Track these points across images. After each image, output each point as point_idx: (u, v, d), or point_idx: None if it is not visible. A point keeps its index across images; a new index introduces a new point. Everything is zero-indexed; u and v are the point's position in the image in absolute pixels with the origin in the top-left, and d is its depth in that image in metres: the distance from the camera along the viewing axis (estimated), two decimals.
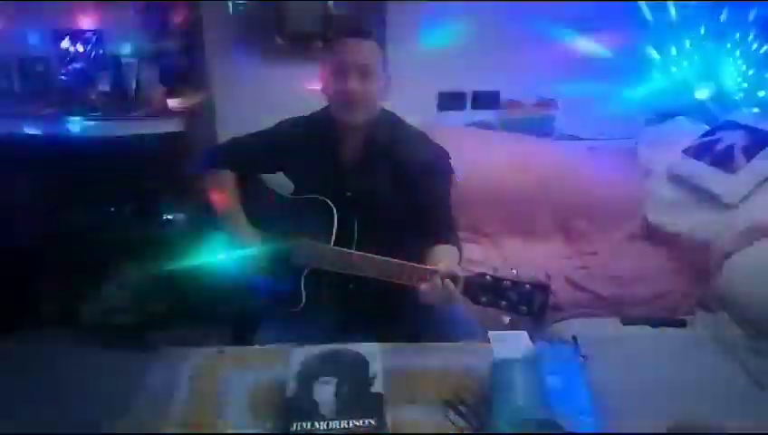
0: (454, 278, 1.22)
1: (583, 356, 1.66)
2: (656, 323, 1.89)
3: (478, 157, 2.42)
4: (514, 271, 1.21)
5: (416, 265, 1.29)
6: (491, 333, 1.25)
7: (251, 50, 2.51)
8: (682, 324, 1.90)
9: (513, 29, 2.53)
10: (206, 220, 1.60)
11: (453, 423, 1.08)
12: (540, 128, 2.64)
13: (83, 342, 2.38)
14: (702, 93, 2.55)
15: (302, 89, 2.14)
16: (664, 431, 1.16)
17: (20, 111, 2.25)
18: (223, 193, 1.58)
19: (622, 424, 1.19)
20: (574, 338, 1.72)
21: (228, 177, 1.61)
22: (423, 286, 1.25)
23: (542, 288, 1.18)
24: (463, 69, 2.60)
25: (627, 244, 2.38)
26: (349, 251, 1.39)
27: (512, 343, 1.18)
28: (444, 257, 1.34)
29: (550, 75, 2.60)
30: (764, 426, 1.40)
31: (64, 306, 2.46)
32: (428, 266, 1.28)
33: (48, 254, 2.42)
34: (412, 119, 1.63)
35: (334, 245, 1.42)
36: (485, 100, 2.67)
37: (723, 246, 2.00)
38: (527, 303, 1.17)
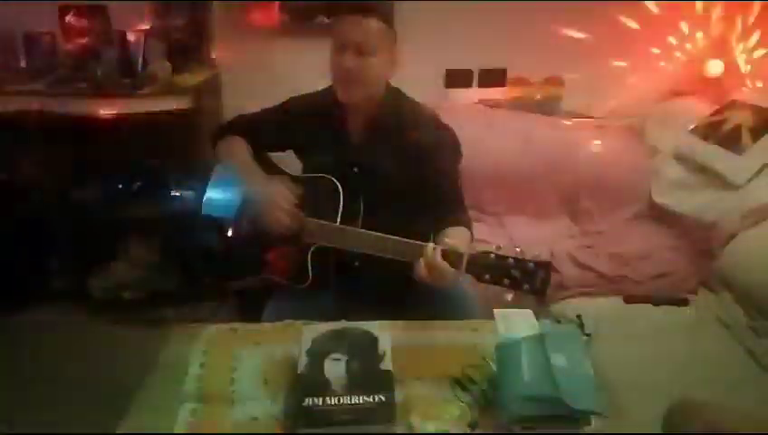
0: (457, 256, 1.23)
1: (587, 334, 1.69)
2: (658, 301, 1.92)
3: (484, 135, 2.41)
4: (518, 249, 1.22)
5: (417, 242, 1.30)
6: (496, 311, 1.27)
7: (256, 26, 2.49)
8: (684, 303, 1.92)
9: (521, 5, 2.50)
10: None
11: (460, 399, 1.11)
12: (547, 106, 2.62)
13: (95, 316, 2.42)
14: (710, 71, 2.54)
15: (306, 65, 2.13)
16: (664, 407, 1.18)
17: (26, 87, 2.25)
18: (236, 151, 1.59)
19: (625, 401, 1.22)
20: (578, 316, 1.75)
21: (239, 140, 1.61)
22: (419, 264, 1.25)
23: (545, 266, 1.20)
24: (470, 46, 2.58)
25: (631, 223, 2.39)
26: (349, 228, 1.41)
27: (516, 322, 1.20)
28: (452, 238, 1.32)
29: (557, 53, 2.58)
30: (764, 405, 1.43)
31: (75, 282, 2.49)
32: (430, 244, 1.27)
33: (58, 230, 2.44)
34: (418, 96, 1.62)
35: (340, 223, 1.44)
36: (492, 77, 2.65)
37: (727, 227, 2.01)
38: (530, 280, 1.20)
